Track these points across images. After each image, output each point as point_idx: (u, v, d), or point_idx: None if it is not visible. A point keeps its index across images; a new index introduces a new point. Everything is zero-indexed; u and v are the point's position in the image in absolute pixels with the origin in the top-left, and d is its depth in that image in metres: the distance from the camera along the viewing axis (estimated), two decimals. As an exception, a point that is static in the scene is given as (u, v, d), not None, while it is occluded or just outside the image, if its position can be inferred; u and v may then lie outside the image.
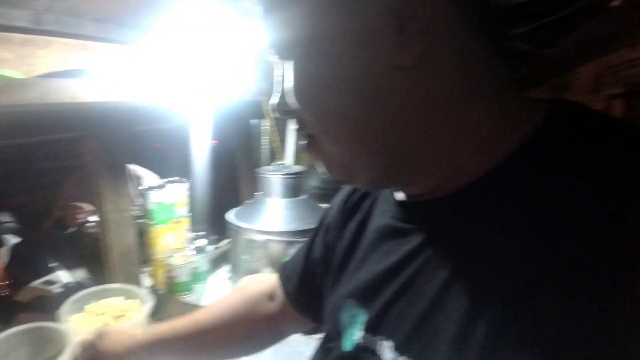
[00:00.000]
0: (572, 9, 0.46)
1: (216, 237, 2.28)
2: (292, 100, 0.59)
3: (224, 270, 1.99)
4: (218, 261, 1.97)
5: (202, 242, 1.86)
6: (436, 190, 0.59)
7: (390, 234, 0.67)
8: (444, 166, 0.57)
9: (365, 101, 0.53)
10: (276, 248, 1.64)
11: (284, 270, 1.02)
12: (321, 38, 0.54)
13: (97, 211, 1.54)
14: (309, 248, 0.96)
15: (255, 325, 1.03)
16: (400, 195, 0.68)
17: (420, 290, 0.57)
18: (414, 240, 0.61)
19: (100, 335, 1.07)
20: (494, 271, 0.49)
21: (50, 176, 2.82)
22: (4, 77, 0.96)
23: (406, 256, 0.61)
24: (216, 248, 2.03)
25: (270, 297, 1.03)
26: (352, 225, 0.81)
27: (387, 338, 0.60)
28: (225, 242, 2.07)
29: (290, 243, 1.62)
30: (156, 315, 1.44)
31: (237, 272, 1.79)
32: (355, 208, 0.83)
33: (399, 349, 0.57)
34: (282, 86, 0.63)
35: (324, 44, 0.54)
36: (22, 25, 1.24)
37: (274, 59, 0.62)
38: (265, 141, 2.38)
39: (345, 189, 0.90)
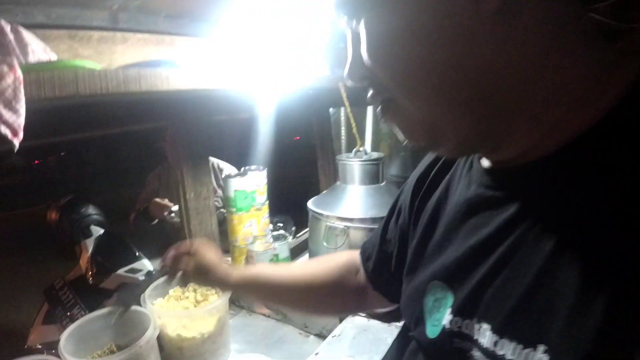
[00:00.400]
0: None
1: (295, 226, 2.29)
2: (366, 63, 0.55)
3: (303, 259, 1.99)
4: (297, 250, 1.96)
5: (282, 229, 1.86)
6: (527, 154, 0.54)
7: (480, 204, 0.61)
8: (536, 125, 0.51)
9: (449, 52, 0.49)
10: (357, 235, 1.63)
11: (363, 250, 1.03)
12: None
13: (179, 199, 1.56)
14: (384, 229, 0.95)
15: (343, 293, 1.05)
16: (486, 163, 0.63)
17: (521, 264, 0.51)
18: (510, 209, 0.55)
19: (202, 248, 1.11)
20: (605, 238, 0.44)
21: (134, 175, 2.96)
22: (84, 68, 0.97)
23: (501, 227, 0.55)
24: (295, 237, 2.02)
25: (357, 271, 1.04)
26: (429, 206, 0.77)
27: (482, 320, 0.55)
28: (304, 231, 2.06)
29: (370, 230, 1.60)
30: (236, 300, 1.44)
31: (317, 260, 1.78)
32: (430, 188, 0.79)
33: (499, 331, 0.52)
34: (354, 51, 0.59)
35: None
36: (99, 25, 1.27)
37: (344, 22, 0.59)
38: (343, 129, 2.36)
39: (417, 170, 0.86)
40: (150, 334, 1.14)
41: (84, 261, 2.06)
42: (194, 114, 1.48)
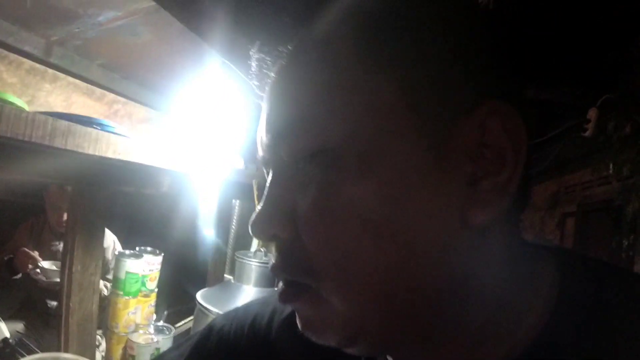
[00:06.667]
0: (552, 134, 0.39)
1: (167, 311, 2.09)
2: (291, 225, 0.40)
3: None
4: (177, 339, 1.74)
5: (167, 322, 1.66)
6: None
7: None
8: (464, 343, 0.42)
9: (417, 253, 0.37)
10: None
11: None
12: (376, 156, 0.36)
13: (62, 269, 1.32)
14: None
15: None
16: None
17: None
18: None
19: None
20: None
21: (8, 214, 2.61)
22: (13, 105, 0.79)
23: None
24: (177, 327, 1.80)
25: None
26: None
27: None
28: (186, 320, 1.86)
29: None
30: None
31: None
32: None
33: None
34: (272, 196, 0.41)
35: (379, 167, 0.36)
36: (32, 52, 1.12)
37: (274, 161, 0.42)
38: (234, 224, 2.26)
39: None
40: None
41: None
42: (102, 181, 1.28)
